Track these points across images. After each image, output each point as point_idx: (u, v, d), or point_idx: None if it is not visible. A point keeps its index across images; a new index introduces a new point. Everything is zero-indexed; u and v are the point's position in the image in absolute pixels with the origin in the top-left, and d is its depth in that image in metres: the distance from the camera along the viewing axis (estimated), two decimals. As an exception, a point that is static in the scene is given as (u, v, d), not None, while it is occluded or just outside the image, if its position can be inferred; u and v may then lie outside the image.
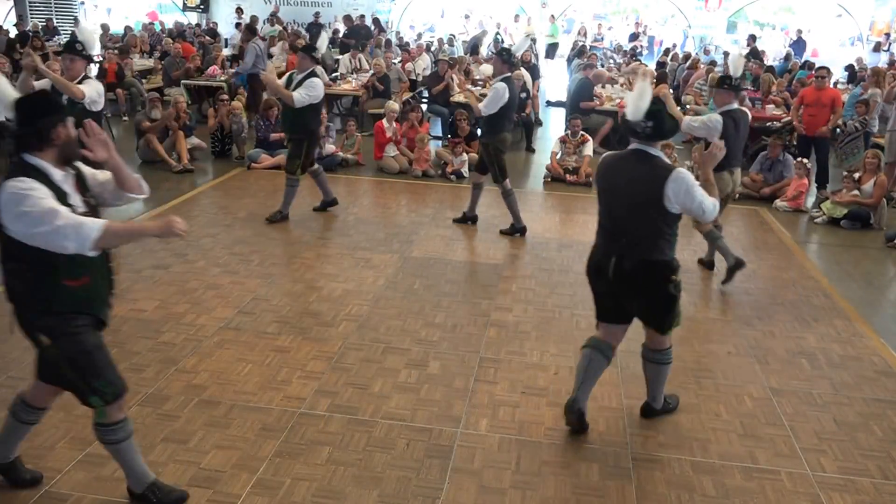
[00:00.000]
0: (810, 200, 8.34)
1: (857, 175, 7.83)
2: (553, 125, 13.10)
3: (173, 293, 5.25)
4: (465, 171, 8.92)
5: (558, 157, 9.06)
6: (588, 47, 16.44)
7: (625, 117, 3.50)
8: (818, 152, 8.77)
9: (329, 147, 9.08)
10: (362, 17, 19.11)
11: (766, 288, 5.86)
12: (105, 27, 17.72)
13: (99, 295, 2.81)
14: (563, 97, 13.82)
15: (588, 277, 3.72)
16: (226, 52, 14.29)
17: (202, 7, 21.84)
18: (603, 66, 14.26)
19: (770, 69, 13.43)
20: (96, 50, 5.49)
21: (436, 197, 8.09)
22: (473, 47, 16.41)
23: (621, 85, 12.68)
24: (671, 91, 9.60)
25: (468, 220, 7.11)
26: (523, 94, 10.70)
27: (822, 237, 7.41)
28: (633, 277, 3.48)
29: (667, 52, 18.36)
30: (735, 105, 5.69)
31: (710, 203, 3.43)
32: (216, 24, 19.91)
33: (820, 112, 8.56)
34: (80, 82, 5.12)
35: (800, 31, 19.60)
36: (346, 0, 20.84)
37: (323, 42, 7.28)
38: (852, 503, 3.33)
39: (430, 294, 5.44)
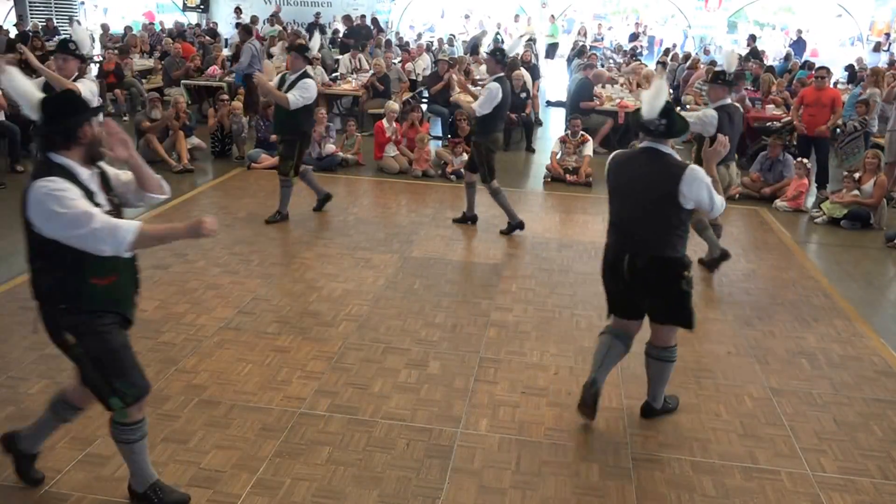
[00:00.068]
0: (810, 200, 8.34)
1: (857, 175, 7.83)
2: (553, 125, 13.10)
3: (173, 293, 5.25)
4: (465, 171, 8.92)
5: (558, 157, 9.06)
6: (588, 47, 16.45)
7: (634, 115, 3.56)
8: (818, 152, 8.78)
9: (329, 147, 9.08)
10: (363, 17, 19.12)
11: (766, 288, 5.86)
12: (105, 27, 17.73)
13: (125, 294, 2.82)
14: (563, 97, 13.82)
15: (603, 277, 3.77)
16: (226, 52, 14.29)
17: (202, 7, 21.84)
18: (603, 66, 14.26)
19: (770, 69, 13.44)
20: (88, 49, 5.44)
21: (436, 197, 8.09)
22: (473, 47, 16.42)
23: (621, 85, 12.68)
24: (671, 91, 9.62)
25: (468, 220, 7.12)
26: (523, 94, 10.72)
27: (822, 237, 7.41)
28: (647, 275, 3.53)
29: (667, 52, 18.35)
30: (729, 100, 5.77)
31: (719, 199, 3.52)
32: (216, 24, 19.92)
33: (820, 112, 8.57)
34: (74, 81, 5.11)
35: (800, 31, 19.61)
36: (346, 0, 20.84)
37: (315, 42, 7.26)
38: (852, 503, 3.33)
39: (430, 294, 5.44)
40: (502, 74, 6.53)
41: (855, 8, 20.54)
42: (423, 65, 13.82)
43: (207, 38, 15.83)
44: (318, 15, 19.62)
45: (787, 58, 16.45)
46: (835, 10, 21.41)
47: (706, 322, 5.15)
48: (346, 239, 6.57)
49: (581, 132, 9.15)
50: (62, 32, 17.11)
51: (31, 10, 18.35)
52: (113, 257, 2.62)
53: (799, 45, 18.89)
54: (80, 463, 3.34)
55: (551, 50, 20.02)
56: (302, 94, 6.40)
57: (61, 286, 2.65)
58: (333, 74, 13.37)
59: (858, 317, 5.37)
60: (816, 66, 10.48)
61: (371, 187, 8.57)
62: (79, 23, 18.15)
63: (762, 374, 4.44)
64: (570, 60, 16.52)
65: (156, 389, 3.98)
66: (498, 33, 18.48)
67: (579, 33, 19.89)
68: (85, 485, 3.20)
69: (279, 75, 6.85)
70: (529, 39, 17.91)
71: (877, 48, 19.16)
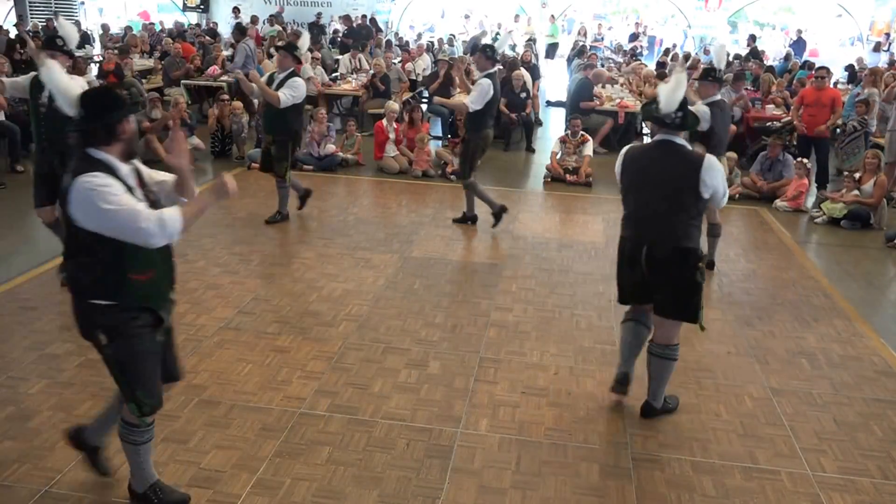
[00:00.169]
0: (810, 200, 8.34)
1: (857, 175, 7.84)
2: (553, 125, 13.10)
3: (173, 293, 5.25)
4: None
5: (558, 157, 9.06)
6: (588, 47, 16.45)
7: (648, 108, 3.64)
8: (818, 152, 8.78)
9: (329, 147, 9.08)
10: (364, 17, 19.13)
11: (766, 288, 5.86)
12: (105, 27, 17.74)
13: (161, 290, 2.84)
14: (563, 97, 13.82)
15: (619, 269, 3.83)
16: (226, 52, 14.30)
17: (202, 7, 21.85)
18: (603, 66, 14.26)
19: (770, 69, 13.44)
20: (75, 45, 5.39)
21: (436, 197, 8.09)
22: (473, 47, 16.41)
23: (621, 85, 12.68)
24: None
25: (468, 220, 7.12)
26: (523, 94, 10.72)
27: (822, 237, 7.41)
28: (665, 265, 3.58)
29: (667, 52, 18.36)
30: (719, 96, 5.87)
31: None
32: (216, 24, 19.93)
33: (820, 112, 8.57)
34: None
35: (800, 31, 19.60)
36: (346, 0, 20.85)
37: (304, 41, 7.24)
38: (852, 503, 3.33)
39: (430, 294, 5.44)
40: (493, 70, 6.57)
41: (855, 8, 20.54)
42: (423, 65, 13.81)
43: (207, 38, 15.83)
44: (318, 15, 19.63)
45: (787, 58, 16.45)
46: (835, 10, 21.41)
47: (706, 322, 5.13)
48: (346, 239, 6.57)
49: (581, 132, 9.14)
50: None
51: (31, 10, 18.35)
52: (153, 254, 2.66)
53: (799, 45, 18.89)
54: (80, 463, 3.33)
55: (551, 50, 20.02)
56: (292, 93, 6.37)
57: (100, 281, 2.66)
58: (333, 74, 13.38)
59: (858, 317, 5.37)
60: (816, 66, 10.48)
61: (371, 187, 8.57)
62: (77, 24, 18.19)
63: (762, 374, 4.44)
64: (570, 60, 16.52)
65: (156, 389, 3.99)
66: (498, 33, 18.47)
67: (579, 33, 19.89)
68: (85, 485, 3.20)
69: (268, 74, 6.82)
70: (529, 39, 17.94)
71: (877, 48, 19.16)
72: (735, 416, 3.98)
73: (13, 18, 18.24)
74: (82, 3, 21.08)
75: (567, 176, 8.84)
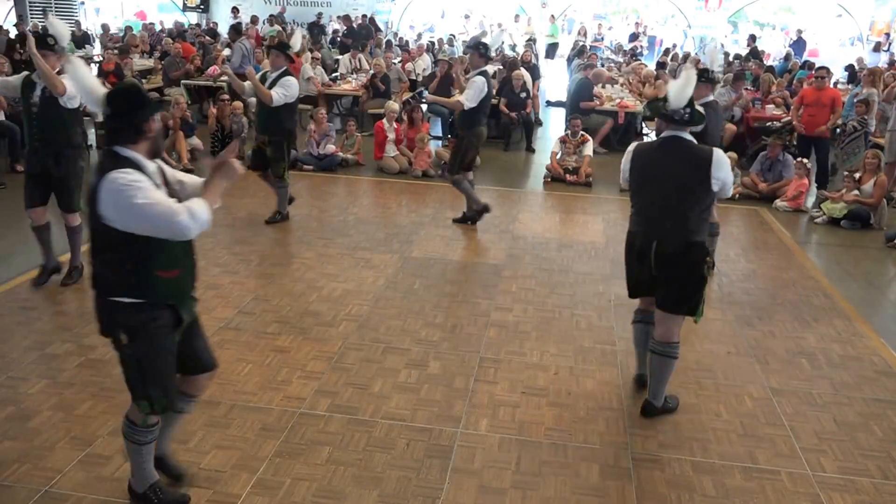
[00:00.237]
0: (810, 200, 8.34)
1: (857, 175, 7.84)
2: (553, 125, 13.10)
3: (173, 293, 5.25)
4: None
5: (558, 157, 9.06)
6: (588, 47, 16.44)
7: (654, 104, 3.72)
8: (818, 152, 8.78)
9: (329, 147, 9.08)
10: (364, 16, 19.13)
11: (766, 288, 5.86)
12: (105, 27, 17.73)
13: (185, 287, 2.88)
14: (563, 97, 13.82)
15: (628, 264, 3.90)
16: (226, 52, 14.30)
17: (202, 7, 21.85)
18: (603, 65, 14.26)
19: (770, 69, 13.44)
20: (66, 43, 5.29)
21: (436, 197, 8.09)
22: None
23: (621, 85, 12.68)
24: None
25: (468, 219, 7.11)
26: (523, 94, 10.72)
27: (822, 237, 7.41)
28: (675, 259, 3.64)
29: (667, 52, 18.36)
30: (711, 97, 5.88)
31: None
32: (216, 24, 19.92)
33: (820, 112, 8.57)
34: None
35: (800, 31, 19.61)
36: (346, 0, 20.85)
37: (296, 40, 7.24)
38: (852, 503, 3.33)
39: (430, 294, 5.44)
40: (486, 68, 6.60)
41: (855, 8, 20.54)
42: (423, 65, 13.81)
43: (207, 38, 15.83)
44: (319, 15, 19.63)
45: (787, 58, 16.45)
46: (835, 10, 21.41)
47: (706, 322, 5.14)
48: (346, 239, 6.57)
49: (581, 132, 9.14)
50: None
51: (31, 10, 18.35)
52: (177, 251, 2.70)
53: (799, 45, 18.89)
54: (80, 463, 3.34)
55: (551, 50, 20.02)
56: (285, 92, 6.36)
57: (126, 278, 2.67)
58: (333, 74, 13.38)
59: (858, 317, 5.37)
60: (816, 66, 10.48)
61: (371, 187, 8.57)
62: (77, 23, 18.19)
63: (762, 374, 4.44)
64: (570, 60, 16.52)
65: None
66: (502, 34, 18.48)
67: (579, 33, 19.90)
68: (85, 485, 3.20)
69: (261, 73, 6.80)
70: (529, 39, 17.94)
71: (877, 48, 19.16)
72: (735, 416, 3.98)
73: (13, 18, 18.23)
74: (82, 3, 21.07)
75: (567, 176, 8.84)
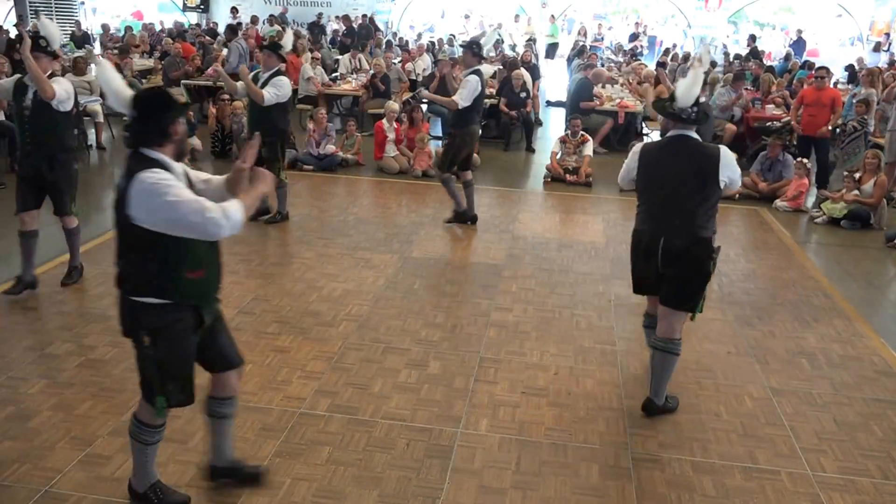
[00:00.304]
0: (810, 200, 8.34)
1: (857, 175, 7.84)
2: (553, 125, 13.11)
3: (173, 293, 5.25)
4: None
5: (558, 157, 9.06)
6: (588, 47, 16.44)
7: (661, 103, 3.76)
8: (818, 152, 8.78)
9: (329, 147, 9.08)
10: (365, 16, 19.13)
11: (766, 288, 5.86)
12: (105, 27, 17.74)
13: (210, 288, 2.88)
14: (563, 97, 13.82)
15: (634, 262, 3.93)
16: (225, 52, 14.30)
17: (202, 7, 21.85)
18: (603, 65, 14.26)
19: (770, 69, 13.44)
20: (59, 45, 5.18)
21: (436, 197, 8.08)
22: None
23: (621, 85, 12.68)
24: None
25: (468, 219, 7.12)
26: (523, 94, 10.73)
27: (822, 237, 7.41)
28: (682, 256, 3.67)
29: (667, 52, 18.35)
30: (703, 98, 5.87)
31: None
32: (216, 24, 19.92)
33: (820, 112, 8.57)
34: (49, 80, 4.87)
35: (800, 31, 19.61)
36: (346, 0, 20.85)
37: (288, 40, 7.22)
38: (852, 503, 3.33)
39: (430, 294, 5.44)
40: (479, 67, 6.62)
41: (855, 8, 20.54)
42: (423, 65, 13.82)
43: (207, 38, 15.83)
44: (319, 15, 19.63)
45: (787, 58, 16.45)
46: (835, 10, 21.41)
47: (706, 322, 5.14)
48: (346, 239, 6.57)
49: (581, 132, 9.14)
50: (62, 33, 17.10)
51: (31, 10, 18.35)
52: (203, 252, 2.72)
53: (799, 45, 18.89)
54: (80, 463, 3.34)
55: (551, 50, 20.02)
56: (276, 91, 6.35)
57: (153, 279, 2.68)
58: (333, 74, 13.37)
59: (858, 317, 5.37)
60: (816, 66, 10.48)
61: (371, 187, 8.57)
62: (78, 23, 18.19)
63: (762, 374, 4.44)
64: (570, 60, 16.52)
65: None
66: (498, 33, 18.46)
67: (579, 33, 19.89)
68: (85, 485, 3.20)
69: (253, 73, 6.76)
70: (529, 39, 17.94)
71: (877, 48, 19.16)
72: (735, 416, 3.98)
73: (13, 18, 18.24)
74: (82, 2, 21.08)
75: (567, 176, 8.84)
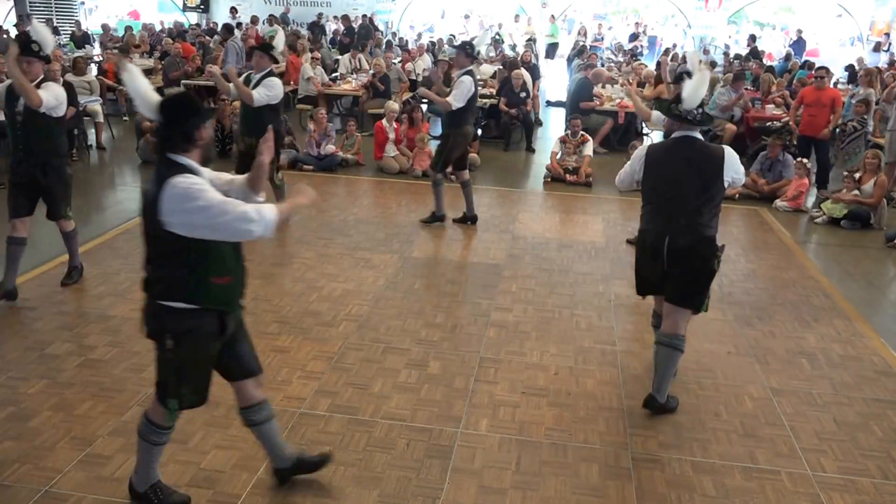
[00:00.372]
0: (810, 200, 8.34)
1: (857, 175, 7.84)
2: (553, 125, 13.10)
3: (173, 293, 5.25)
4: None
5: (558, 157, 9.06)
6: (588, 47, 16.44)
7: (664, 104, 3.82)
8: (818, 152, 8.77)
9: (329, 147, 9.08)
10: (365, 16, 19.12)
11: (766, 288, 5.86)
12: (105, 27, 17.73)
13: (235, 294, 2.93)
14: (563, 97, 13.82)
15: (638, 261, 3.99)
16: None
17: (202, 7, 21.85)
18: (603, 65, 14.26)
19: (770, 69, 13.43)
20: (51, 49, 5.06)
21: (436, 197, 8.09)
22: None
23: (621, 85, 12.68)
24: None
25: (468, 219, 7.12)
26: (523, 94, 10.73)
27: (822, 237, 7.41)
28: (688, 254, 3.72)
29: (667, 52, 18.34)
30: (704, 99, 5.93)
31: None
32: (216, 24, 19.90)
33: (820, 112, 8.56)
34: (38, 86, 4.77)
35: (800, 31, 19.60)
36: (346, 0, 20.85)
37: (279, 40, 7.20)
38: (852, 503, 3.33)
39: (430, 294, 5.44)
40: (472, 68, 6.67)
41: (855, 8, 20.54)
42: (423, 65, 13.81)
43: (207, 38, 15.83)
44: (320, 15, 19.63)
45: (787, 58, 16.45)
46: (835, 10, 21.40)
47: (706, 322, 5.14)
48: (346, 239, 6.57)
49: (581, 132, 9.14)
50: (62, 32, 17.11)
51: (31, 11, 18.34)
52: (230, 258, 2.77)
53: (799, 45, 18.89)
54: (80, 463, 3.34)
55: (551, 50, 20.01)
56: (267, 92, 6.31)
57: (180, 284, 2.70)
58: (333, 74, 13.37)
59: (858, 317, 5.37)
60: (816, 66, 10.48)
61: (371, 187, 8.57)
62: (77, 24, 18.18)
63: (762, 374, 4.44)
64: (570, 60, 16.51)
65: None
66: (498, 32, 18.48)
67: (579, 33, 19.89)
68: (85, 485, 3.20)
69: (245, 74, 6.73)
70: (529, 39, 17.94)
71: (877, 48, 19.16)
72: (735, 416, 3.98)
73: (13, 18, 18.23)
74: (82, 2, 21.07)
75: (567, 176, 8.84)
